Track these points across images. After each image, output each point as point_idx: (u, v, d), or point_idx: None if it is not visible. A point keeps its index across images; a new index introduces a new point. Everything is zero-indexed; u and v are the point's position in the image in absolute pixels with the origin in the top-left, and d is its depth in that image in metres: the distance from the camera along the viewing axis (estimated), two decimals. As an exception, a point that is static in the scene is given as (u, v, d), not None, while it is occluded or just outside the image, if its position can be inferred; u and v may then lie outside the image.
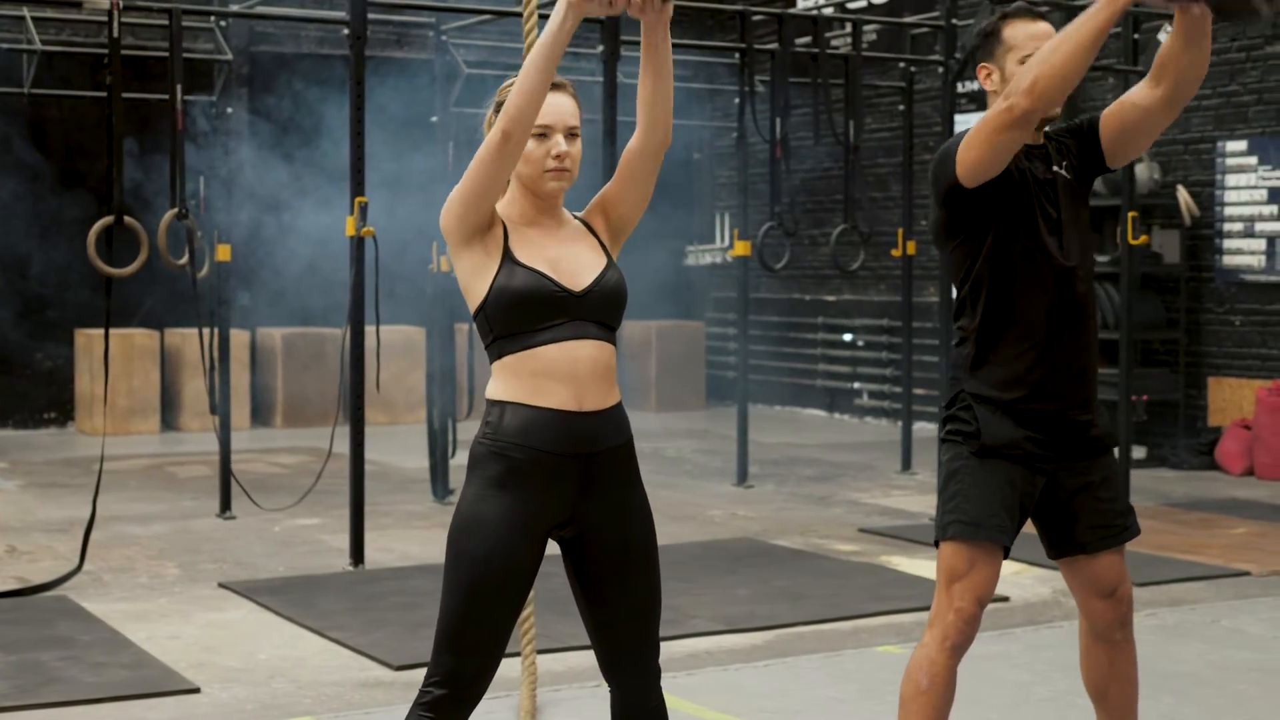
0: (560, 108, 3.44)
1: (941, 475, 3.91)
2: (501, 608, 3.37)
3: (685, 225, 16.04)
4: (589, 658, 3.64)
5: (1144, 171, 11.15)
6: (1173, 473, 10.98)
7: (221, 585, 7.12)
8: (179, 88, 7.49)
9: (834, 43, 12.70)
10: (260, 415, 13.85)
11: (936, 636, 3.78)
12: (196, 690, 5.39)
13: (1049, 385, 3.82)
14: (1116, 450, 9.69)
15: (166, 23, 7.66)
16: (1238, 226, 11.11)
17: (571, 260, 3.44)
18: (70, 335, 13.39)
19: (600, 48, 8.15)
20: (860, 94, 9.99)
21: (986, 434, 3.80)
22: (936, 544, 3.88)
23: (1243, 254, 11.08)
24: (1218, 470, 10.92)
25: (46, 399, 13.56)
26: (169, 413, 13.35)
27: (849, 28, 10.79)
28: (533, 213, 3.47)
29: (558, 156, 3.42)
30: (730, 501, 9.70)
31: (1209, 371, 11.34)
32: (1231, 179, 11.14)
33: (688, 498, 9.81)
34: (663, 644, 6.11)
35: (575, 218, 3.57)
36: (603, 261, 3.48)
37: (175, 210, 7.57)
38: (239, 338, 13.40)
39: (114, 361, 12.92)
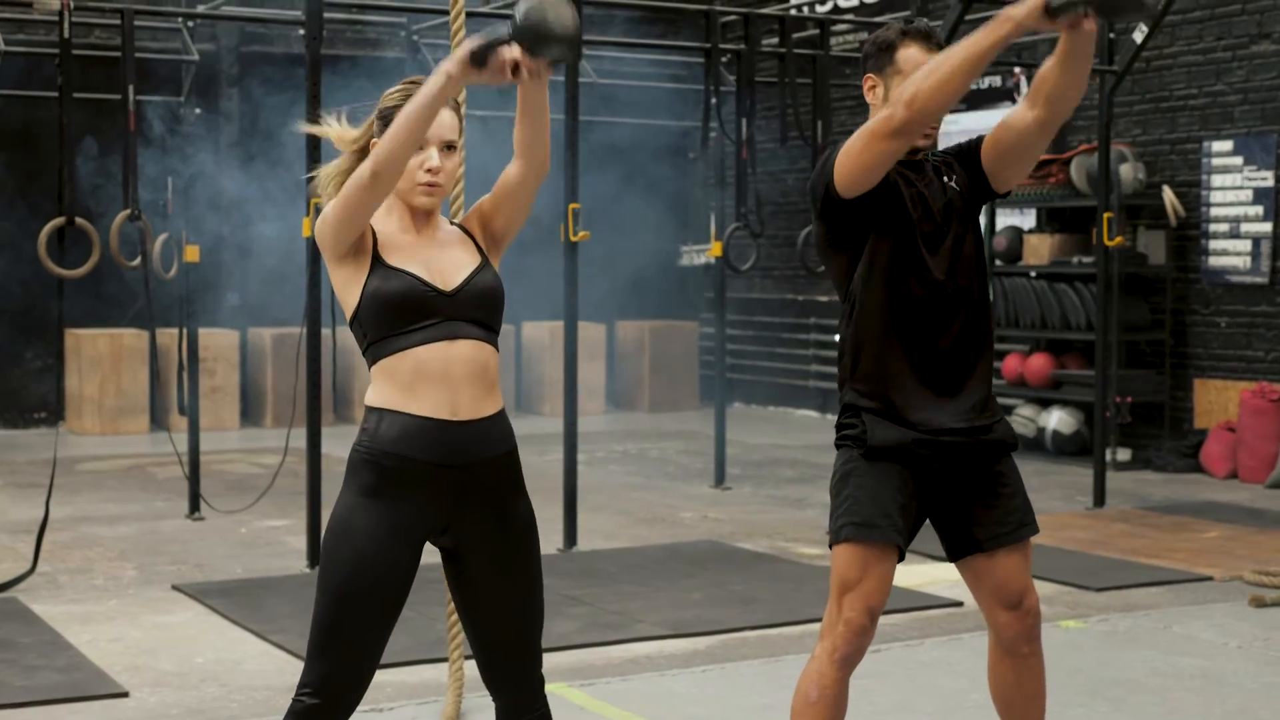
0: (438, 121, 3.38)
1: (834, 481, 3.86)
2: (373, 614, 3.36)
3: (680, 225, 15.99)
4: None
5: (1129, 172, 11.07)
6: (1156, 475, 10.89)
7: (174, 587, 7.10)
8: (131, 88, 7.50)
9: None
10: (250, 415, 13.86)
11: (826, 648, 3.74)
12: (125, 695, 5.37)
13: (923, 395, 3.77)
14: (1101, 451, 9.65)
15: (119, 22, 7.65)
16: (1223, 227, 11.01)
17: (444, 261, 3.44)
18: (60, 335, 13.38)
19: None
20: (829, 94, 9.93)
21: (873, 437, 3.77)
22: (831, 548, 3.84)
23: (1228, 255, 10.98)
24: (1202, 473, 10.82)
25: (36, 398, 13.57)
26: (159, 412, 13.35)
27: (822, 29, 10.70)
28: (408, 220, 3.48)
29: (430, 170, 3.40)
30: (704, 504, 9.65)
31: (1195, 373, 11.25)
32: (1217, 179, 11.04)
33: (662, 499, 9.76)
34: (605, 649, 6.13)
35: (454, 224, 3.57)
36: (476, 261, 3.47)
37: (127, 211, 7.56)
38: (229, 338, 13.42)
39: (103, 361, 12.98)
